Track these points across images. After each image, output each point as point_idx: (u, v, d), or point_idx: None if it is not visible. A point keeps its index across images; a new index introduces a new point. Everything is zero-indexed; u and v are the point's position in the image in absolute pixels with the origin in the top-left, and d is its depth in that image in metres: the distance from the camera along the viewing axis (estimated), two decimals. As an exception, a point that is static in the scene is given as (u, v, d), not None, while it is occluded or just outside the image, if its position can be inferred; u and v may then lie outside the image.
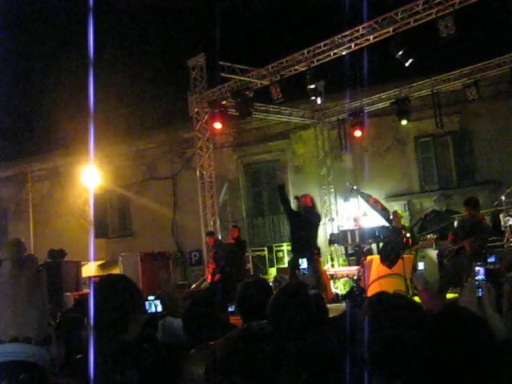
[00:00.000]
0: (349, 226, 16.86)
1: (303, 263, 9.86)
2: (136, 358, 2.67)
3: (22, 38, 20.71)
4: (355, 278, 13.61)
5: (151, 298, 5.11)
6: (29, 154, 22.96)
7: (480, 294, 3.55)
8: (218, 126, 15.23)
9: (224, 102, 15.21)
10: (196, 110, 15.92)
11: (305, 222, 11.25)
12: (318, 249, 11.60)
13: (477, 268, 4.03)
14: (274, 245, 17.56)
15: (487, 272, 4.08)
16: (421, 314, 2.48)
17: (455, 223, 12.39)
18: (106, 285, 2.91)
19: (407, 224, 12.03)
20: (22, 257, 4.96)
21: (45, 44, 20.67)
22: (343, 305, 11.29)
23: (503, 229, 13.19)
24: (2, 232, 24.46)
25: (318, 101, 15.32)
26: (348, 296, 12.10)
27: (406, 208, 16.97)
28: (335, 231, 17.43)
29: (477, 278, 3.82)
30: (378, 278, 11.85)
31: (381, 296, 2.62)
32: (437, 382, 2.10)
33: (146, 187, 20.76)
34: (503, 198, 13.28)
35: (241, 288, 4.50)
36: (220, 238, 15.11)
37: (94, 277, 15.09)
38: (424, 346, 2.17)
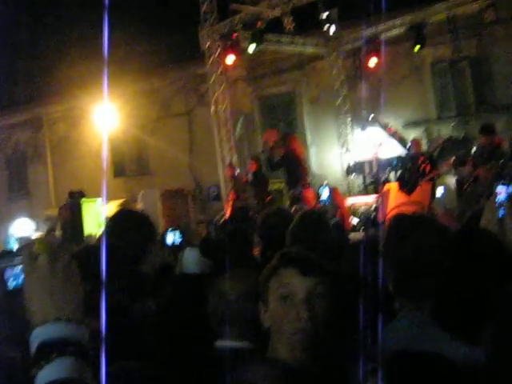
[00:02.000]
0: (366, 156, 16.81)
1: (324, 193, 9.86)
2: (154, 288, 2.71)
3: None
4: (374, 206, 13.62)
5: (171, 229, 5.14)
6: (43, 97, 22.90)
7: (500, 215, 3.48)
8: (230, 59, 15.00)
9: (236, 35, 14.96)
10: (208, 44, 15.66)
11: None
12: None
13: (499, 188, 3.95)
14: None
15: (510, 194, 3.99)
16: (443, 233, 2.47)
17: (473, 149, 12.27)
18: (119, 218, 2.94)
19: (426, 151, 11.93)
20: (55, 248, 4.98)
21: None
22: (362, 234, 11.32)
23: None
24: (22, 176, 24.75)
25: (331, 30, 15.00)
26: (366, 222, 12.12)
27: (424, 136, 16.82)
28: (352, 162, 17.41)
29: (498, 198, 3.77)
30: (397, 206, 11.82)
31: (402, 216, 2.61)
32: (458, 302, 2.12)
33: (161, 125, 20.71)
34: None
35: (262, 218, 4.53)
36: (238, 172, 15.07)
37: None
38: (444, 267, 2.17)
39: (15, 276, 2.74)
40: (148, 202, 15.85)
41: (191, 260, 3.75)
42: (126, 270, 2.70)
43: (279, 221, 4.17)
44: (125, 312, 2.56)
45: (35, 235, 17.13)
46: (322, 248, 3.37)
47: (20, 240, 16.10)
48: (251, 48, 14.87)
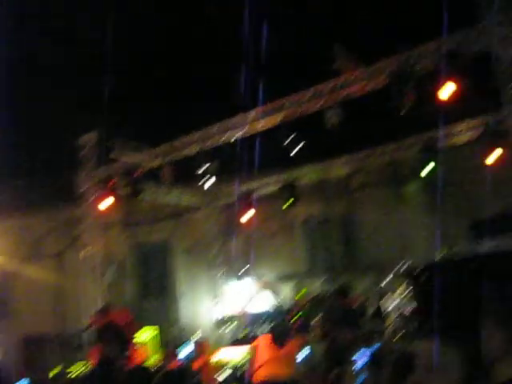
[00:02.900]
0: (237, 309, 16.81)
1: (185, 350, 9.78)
2: None
3: None
4: (242, 362, 13.41)
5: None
6: None
7: (361, 380, 3.59)
8: (105, 204, 14.94)
9: (113, 181, 15.01)
10: (85, 187, 15.61)
11: None
12: None
13: (358, 354, 4.13)
14: (162, 327, 17.11)
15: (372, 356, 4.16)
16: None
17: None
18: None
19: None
20: None
21: None
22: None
23: (383, 315, 13.57)
24: None
25: (208, 184, 15.42)
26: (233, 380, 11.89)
27: (295, 289, 17.14)
28: (223, 314, 17.35)
29: (356, 365, 3.89)
30: (265, 362, 11.66)
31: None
32: None
33: (30, 264, 19.91)
34: (382, 284, 13.75)
35: (124, 377, 4.37)
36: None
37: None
38: None
39: None
40: (5, 348, 14.86)
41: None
42: None
43: (140, 380, 4.03)
44: None
45: None
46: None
47: None
48: (129, 198, 14.97)
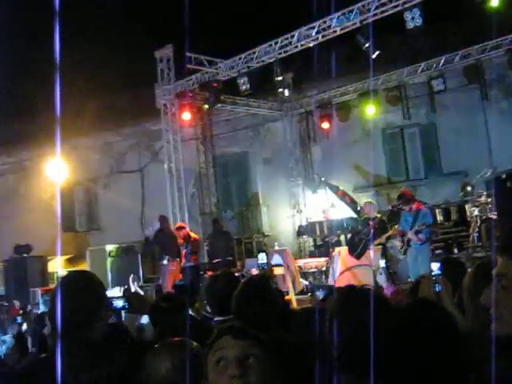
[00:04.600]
0: (317, 217, 16.94)
1: (262, 258, 9.97)
2: (103, 357, 2.63)
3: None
4: (323, 269, 13.67)
5: (117, 295, 5.05)
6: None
7: (437, 289, 3.59)
8: (185, 117, 15.12)
9: (192, 94, 15.10)
10: (163, 102, 15.78)
11: None
12: None
13: (433, 264, 4.12)
14: (243, 237, 17.51)
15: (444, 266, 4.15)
16: (389, 309, 2.47)
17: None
18: (69, 282, 2.85)
19: (378, 214, 12.05)
20: None
21: (13, 36, 20.28)
22: (311, 297, 11.31)
23: (469, 219, 13.38)
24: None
25: (286, 93, 15.26)
26: (316, 290, 12.16)
27: (374, 199, 17.07)
28: (303, 223, 17.53)
29: (433, 273, 3.89)
30: (346, 269, 11.89)
31: (349, 292, 2.60)
32: (406, 379, 2.10)
33: (113, 180, 20.57)
34: (469, 188, 13.45)
35: (209, 281, 4.49)
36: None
37: (62, 271, 14.96)
38: (393, 341, 2.16)
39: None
40: (96, 259, 15.55)
41: (136, 328, 3.67)
42: (76, 337, 2.62)
43: (226, 284, 4.12)
44: (75, 380, 2.47)
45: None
46: (268, 314, 3.33)
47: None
48: (207, 107, 15.06)
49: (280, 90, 14.60)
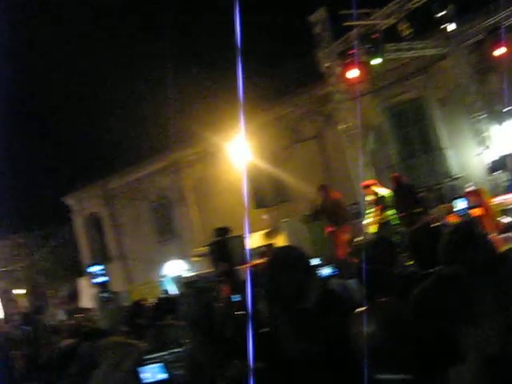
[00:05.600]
0: (508, 150, 16.05)
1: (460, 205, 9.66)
2: (320, 325, 2.72)
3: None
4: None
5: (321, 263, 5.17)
6: (177, 142, 23.85)
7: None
8: (352, 74, 14.94)
9: (354, 50, 14.89)
10: (326, 64, 15.72)
11: None
12: None
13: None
14: (434, 183, 17.04)
15: None
16: None
17: None
18: (277, 257, 2.98)
19: None
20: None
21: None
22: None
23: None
24: (168, 219, 25.92)
25: (450, 27, 14.51)
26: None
27: None
28: (494, 159, 16.65)
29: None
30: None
31: None
32: None
33: (292, 151, 20.92)
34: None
35: (410, 234, 4.45)
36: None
37: (261, 247, 15.59)
38: None
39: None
40: (291, 231, 15.96)
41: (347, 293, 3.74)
42: (293, 309, 2.74)
43: (428, 236, 4.07)
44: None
45: (186, 274, 17.81)
46: (478, 261, 3.24)
47: (173, 280, 16.80)
48: (374, 62, 14.76)
49: (444, 25, 13.94)
